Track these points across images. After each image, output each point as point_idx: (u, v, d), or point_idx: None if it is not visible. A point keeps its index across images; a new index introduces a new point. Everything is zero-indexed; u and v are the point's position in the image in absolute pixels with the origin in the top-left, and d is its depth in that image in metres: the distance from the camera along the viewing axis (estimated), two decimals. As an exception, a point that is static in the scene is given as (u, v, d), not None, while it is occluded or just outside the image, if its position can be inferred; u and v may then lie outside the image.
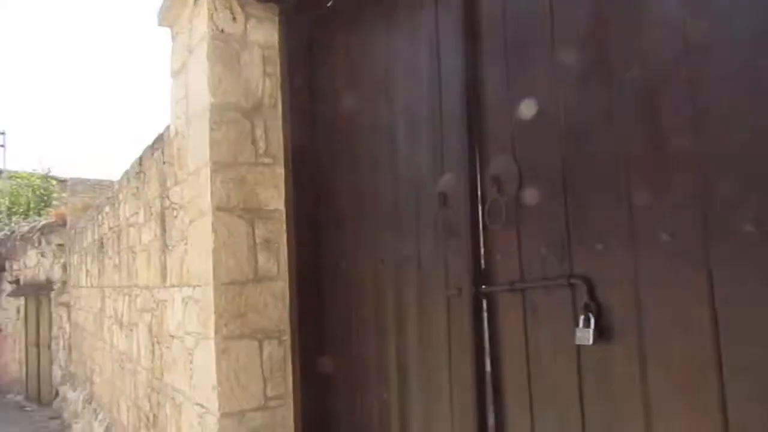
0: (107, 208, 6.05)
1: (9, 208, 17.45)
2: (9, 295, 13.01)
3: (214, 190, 2.73)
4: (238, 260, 2.75)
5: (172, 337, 3.49)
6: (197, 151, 2.91)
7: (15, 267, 13.04)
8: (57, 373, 11.04)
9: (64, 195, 17.24)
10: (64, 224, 10.93)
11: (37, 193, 20.61)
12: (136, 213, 4.56)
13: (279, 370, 2.81)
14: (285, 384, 2.81)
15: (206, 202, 2.76)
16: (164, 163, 3.64)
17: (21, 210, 19.71)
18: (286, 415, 2.80)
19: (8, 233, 12.70)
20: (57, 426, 9.27)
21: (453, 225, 1.93)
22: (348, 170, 2.67)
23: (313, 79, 2.91)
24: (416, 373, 2.18)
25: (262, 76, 2.90)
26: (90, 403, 7.60)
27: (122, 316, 5.23)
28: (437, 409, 2.06)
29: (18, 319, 12.88)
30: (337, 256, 2.71)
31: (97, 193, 10.21)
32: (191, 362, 3.04)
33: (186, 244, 3.14)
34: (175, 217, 3.38)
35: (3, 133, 16.82)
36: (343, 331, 2.69)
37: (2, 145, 16.81)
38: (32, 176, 21.21)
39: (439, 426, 2.06)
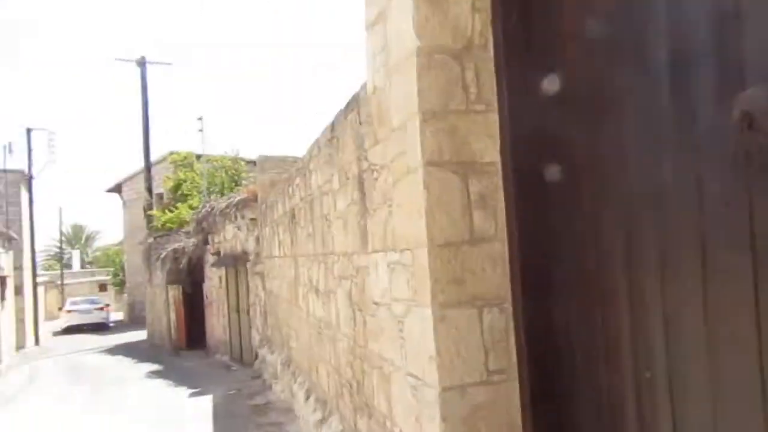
0: (297, 180, 6.20)
1: (207, 188, 19.29)
2: (212, 265, 14.40)
3: (424, 142, 2.47)
4: (453, 220, 2.48)
5: (377, 304, 3.36)
6: (402, 103, 2.67)
7: (216, 240, 14.37)
8: (255, 336, 11.99)
9: (252, 175, 18.69)
10: (255, 199, 11.72)
11: (229, 173, 22.60)
12: (329, 180, 4.53)
13: (501, 341, 2.50)
14: (508, 357, 2.51)
15: (415, 157, 2.52)
16: (360, 123, 3.49)
17: (216, 189, 21.78)
18: (511, 391, 2.50)
19: (209, 209, 14.00)
20: (259, 385, 10.03)
21: (765, 154, 1.45)
22: (580, 113, 2.25)
23: (529, 10, 2.51)
24: (696, 355, 1.74)
25: (471, 12, 2.57)
26: (288, 366, 8.05)
27: (318, 283, 5.31)
28: (737, 412, 1.60)
29: (220, 287, 14.21)
30: (569, 214, 2.32)
31: (283, 170, 10.75)
32: (401, 331, 2.87)
33: (390, 206, 2.95)
34: (376, 179, 3.21)
35: (201, 119, 18.49)
36: (577, 299, 2.31)
37: (201, 130, 18.52)
38: (224, 158, 23.30)
39: None
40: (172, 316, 18.24)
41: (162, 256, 18.47)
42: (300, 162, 6.19)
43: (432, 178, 2.47)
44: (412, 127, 2.54)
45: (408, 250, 2.68)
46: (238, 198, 12.25)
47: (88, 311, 28.97)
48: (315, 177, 5.16)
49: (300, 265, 6.44)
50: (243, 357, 12.88)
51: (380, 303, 3.26)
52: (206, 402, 8.94)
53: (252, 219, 12.00)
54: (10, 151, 20.02)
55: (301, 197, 6.05)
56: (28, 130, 24.93)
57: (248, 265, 12.11)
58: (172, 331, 18.24)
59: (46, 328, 35.08)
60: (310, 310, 5.91)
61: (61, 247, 48.78)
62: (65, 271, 46.37)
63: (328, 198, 4.65)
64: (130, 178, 32.40)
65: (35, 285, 24.47)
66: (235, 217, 12.53)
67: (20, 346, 22.88)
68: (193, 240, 16.38)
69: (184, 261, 16.33)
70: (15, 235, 19.50)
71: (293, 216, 6.68)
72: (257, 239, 11.70)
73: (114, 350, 19.79)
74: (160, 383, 11.34)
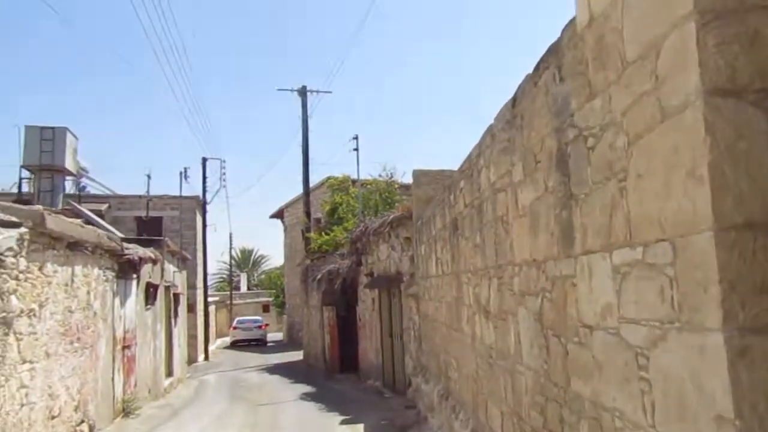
0: (461, 184, 5.38)
1: (361, 211, 19.23)
2: (365, 287, 14.04)
3: (704, 59, 1.51)
4: (758, 185, 1.48)
5: (588, 327, 2.38)
6: (648, 16, 1.74)
7: (369, 261, 14.01)
8: (409, 363, 11.27)
9: (405, 198, 18.37)
10: (410, 217, 11.12)
11: (383, 195, 22.52)
12: (507, 173, 3.64)
13: None
14: None
15: (686, 86, 1.56)
16: (561, 80, 2.58)
17: (371, 212, 21.77)
18: None
19: (363, 229, 13.70)
20: (413, 416, 9.24)
21: None
22: None
23: None
24: None
25: None
26: (446, 398, 7.16)
27: (488, 303, 4.40)
28: None
29: (373, 309, 13.77)
30: None
31: (439, 184, 10.06)
32: (643, 369, 1.88)
33: (622, 180, 1.99)
34: (591, 148, 2.28)
35: (356, 138, 18.54)
36: None
37: (356, 149, 18.56)
38: (378, 181, 23.31)
39: None
40: (327, 338, 18.22)
41: (318, 277, 18.63)
42: (464, 164, 5.37)
43: (719, 117, 1.49)
44: (678, 40, 1.59)
45: (664, 241, 1.70)
46: (393, 216, 11.74)
47: (249, 329, 33.54)
48: (485, 174, 4.30)
49: (464, 283, 5.57)
50: (396, 384, 12.21)
51: (596, 326, 2.28)
52: (358, 430, 8.33)
53: (406, 238, 11.41)
54: (186, 177, 21.65)
55: (466, 203, 5.21)
56: (204, 160, 27.07)
57: (402, 286, 11.49)
58: (326, 353, 18.21)
59: (217, 344, 37.73)
60: (476, 336, 5.00)
61: (230, 270, 52.64)
62: (234, 292, 49.91)
63: (504, 196, 3.75)
64: (291, 203, 33.94)
65: (206, 303, 26.14)
66: (389, 236, 12.03)
67: (192, 360, 24.47)
68: (347, 261, 16.23)
69: (338, 282, 16.21)
70: (189, 256, 20.89)
71: (455, 227, 5.85)
72: (411, 259, 11.06)
73: (273, 369, 20.27)
74: (312, 407, 11.01)
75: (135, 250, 11.30)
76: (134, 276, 11.38)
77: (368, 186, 23.12)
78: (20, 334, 6.43)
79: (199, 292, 25.99)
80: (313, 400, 11.81)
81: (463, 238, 5.40)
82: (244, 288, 54.41)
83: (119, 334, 10.37)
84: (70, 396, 7.89)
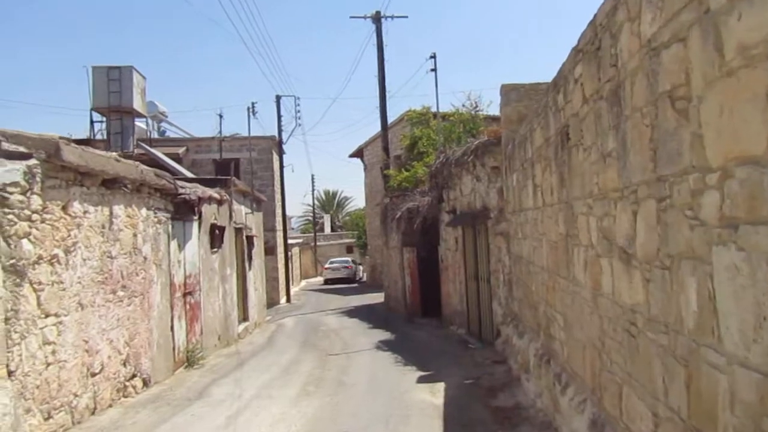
0: (578, 70, 3.69)
1: (443, 144, 17.54)
2: (447, 224, 12.56)
3: None
4: None
5: None
6: None
7: (451, 196, 12.46)
8: (497, 310, 9.84)
9: (491, 129, 16.49)
10: (498, 142, 9.42)
11: (467, 127, 20.61)
12: (664, 26, 1.97)
13: None
14: None
15: None
16: None
17: (452, 146, 20.02)
18: None
19: (443, 160, 12.09)
20: (503, 374, 7.85)
21: None
22: None
23: None
24: None
25: None
26: (547, 362, 5.67)
27: (630, 241, 2.81)
28: None
29: (456, 250, 12.32)
30: None
31: (533, 101, 8.26)
32: None
33: None
34: None
35: (434, 57, 16.68)
36: None
37: (434, 70, 16.71)
38: (461, 113, 21.38)
39: None
40: (407, 280, 17.06)
41: (396, 216, 17.34)
42: (581, 40, 3.65)
43: None
44: None
45: None
46: (477, 142, 10.06)
47: (338, 269, 36.90)
48: (632, 31, 2.62)
49: (579, 215, 3.96)
50: (482, 332, 10.84)
51: None
52: (438, 393, 7.05)
53: (494, 167, 9.74)
54: (254, 112, 20.64)
55: (586, 96, 3.55)
56: (278, 97, 26.04)
57: (489, 223, 9.92)
58: (407, 296, 17.09)
59: (302, 285, 37.90)
60: (602, 289, 3.43)
61: (314, 212, 52.70)
62: (318, 234, 50.01)
63: (678, 51, 2.10)
64: (371, 141, 32.54)
65: (286, 245, 25.67)
66: (474, 167, 10.40)
67: (273, 302, 24.26)
68: (427, 198, 14.77)
69: (418, 221, 14.82)
70: (263, 197, 20.14)
71: (565, 138, 4.20)
72: (500, 191, 9.42)
73: (352, 312, 19.49)
74: (388, 358, 9.87)
75: (193, 190, 10.35)
76: (194, 217, 10.48)
77: (450, 118, 21.28)
78: (39, 284, 5.50)
79: (279, 234, 25.51)
80: (390, 350, 10.68)
81: (581, 149, 3.75)
82: (328, 229, 54.50)
83: (178, 280, 9.54)
84: (116, 350, 7.07)
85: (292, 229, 53.57)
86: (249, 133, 21.04)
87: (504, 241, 9.30)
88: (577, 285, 4.15)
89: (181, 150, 23.92)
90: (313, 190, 51.18)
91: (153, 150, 17.79)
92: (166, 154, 20.29)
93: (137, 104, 16.95)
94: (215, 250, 11.81)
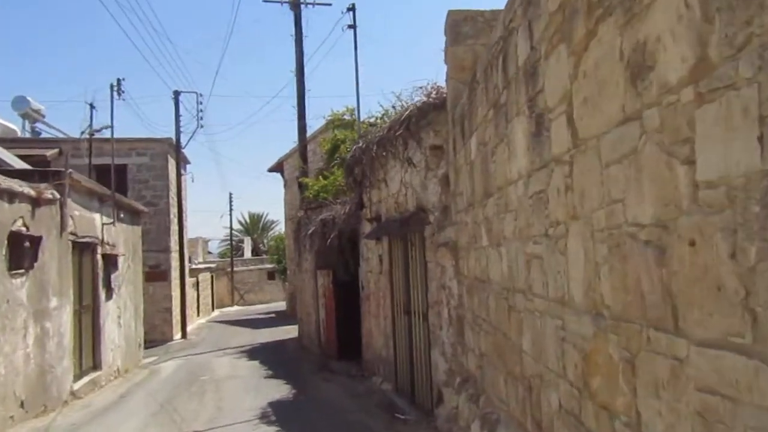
0: None
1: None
2: (366, 237, 9.16)
3: None
4: None
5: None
6: None
7: (373, 198, 9.08)
8: (439, 362, 6.47)
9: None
10: (441, 104, 6.16)
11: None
12: None
13: None
14: None
15: None
16: None
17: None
18: None
19: (362, 146, 8.68)
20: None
21: None
22: None
23: None
24: None
25: None
26: None
27: None
28: None
29: (381, 272, 8.91)
30: None
31: (497, 35, 5.08)
32: None
33: None
34: None
35: (352, 8, 13.37)
36: None
37: (352, 26, 13.36)
38: (390, 113, 18.20)
39: None
40: (321, 313, 13.49)
41: (309, 231, 13.81)
42: None
43: None
44: None
45: None
46: (410, 108, 6.73)
47: None
48: None
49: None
50: (416, 393, 7.43)
51: None
52: None
53: (434, 147, 6.46)
54: (120, 91, 16.44)
55: None
56: (176, 93, 22.07)
57: (427, 231, 6.61)
58: (321, 332, 13.49)
59: (213, 315, 33.31)
60: None
61: (231, 235, 48.24)
62: (237, 258, 45.53)
63: None
64: (291, 154, 28.87)
65: (183, 270, 21.48)
66: (405, 147, 7.07)
67: (165, 339, 19.98)
68: (346, 203, 11.38)
69: (333, 235, 11.34)
70: (142, 207, 16.14)
71: None
72: (444, 180, 6.14)
73: (255, 352, 15.66)
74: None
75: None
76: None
77: (378, 121, 18.07)
78: None
79: (174, 256, 21.32)
80: (280, 423, 7.07)
81: None
82: (248, 254, 49.94)
83: None
84: None
85: (210, 253, 48.75)
86: (112, 120, 16.89)
87: (450, 256, 5.98)
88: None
89: (50, 152, 19.48)
90: (231, 210, 46.95)
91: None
92: (29, 156, 15.99)
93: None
94: (19, 271, 7.87)
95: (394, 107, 17.79)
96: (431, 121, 6.46)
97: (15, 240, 7.76)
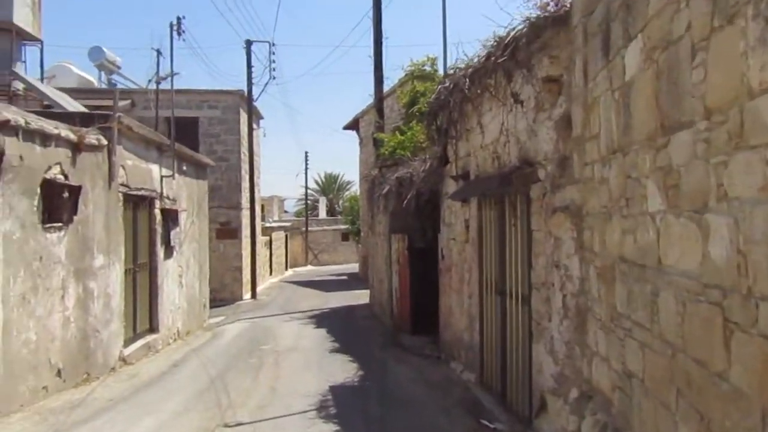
0: None
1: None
2: (451, 197, 7.62)
3: None
4: None
5: None
6: None
7: (461, 151, 7.51)
8: (545, 362, 4.96)
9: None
10: (564, 19, 4.51)
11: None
12: None
13: None
14: None
15: None
16: None
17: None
18: None
19: (449, 86, 7.07)
20: None
21: None
22: None
23: None
24: None
25: None
26: None
27: None
28: None
29: (467, 240, 7.38)
30: None
31: None
32: None
33: None
34: None
35: None
36: None
37: None
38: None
39: None
40: (394, 281, 12.19)
41: (384, 191, 12.44)
42: None
43: None
44: None
45: None
46: (518, 30, 5.06)
47: None
48: None
49: None
50: (508, 394, 5.96)
51: None
52: None
53: (549, 78, 4.80)
54: (180, 31, 15.38)
55: None
56: (248, 42, 20.99)
57: (535, 191, 5.02)
58: (393, 302, 12.21)
59: (287, 275, 32.95)
60: None
61: (306, 194, 47.82)
62: (312, 218, 45.15)
63: None
64: (368, 111, 27.47)
65: (254, 228, 20.74)
66: (509, 81, 5.44)
67: (235, 299, 19.45)
68: (426, 160, 9.89)
69: (409, 195, 9.89)
70: (209, 161, 15.29)
71: None
72: (564, 122, 4.52)
73: (323, 318, 14.67)
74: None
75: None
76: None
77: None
78: None
79: (245, 214, 20.60)
80: (339, 419, 5.83)
81: None
82: (323, 214, 49.53)
83: None
84: None
85: (286, 212, 48.69)
86: (171, 63, 16.25)
87: (571, 225, 4.40)
88: None
89: (122, 103, 19.00)
90: (306, 168, 46.19)
91: (29, 78, 12.72)
92: (101, 107, 15.46)
93: (19, 17, 11.98)
94: (56, 225, 6.95)
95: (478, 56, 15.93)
96: (546, 44, 4.80)
97: (50, 189, 6.82)
